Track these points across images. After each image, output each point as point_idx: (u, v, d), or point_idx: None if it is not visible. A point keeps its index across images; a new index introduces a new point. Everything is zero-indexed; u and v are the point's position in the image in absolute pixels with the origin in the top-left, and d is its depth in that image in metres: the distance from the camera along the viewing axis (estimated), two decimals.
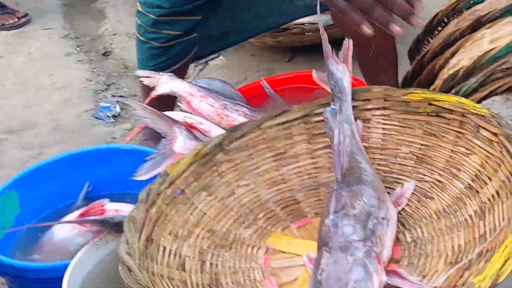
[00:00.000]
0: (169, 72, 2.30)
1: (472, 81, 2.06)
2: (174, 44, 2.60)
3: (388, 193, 1.70)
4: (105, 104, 3.23)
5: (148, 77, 2.25)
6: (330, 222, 1.54)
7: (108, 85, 3.44)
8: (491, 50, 2.04)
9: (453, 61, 2.16)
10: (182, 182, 1.74)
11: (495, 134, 1.60)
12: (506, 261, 1.34)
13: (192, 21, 2.61)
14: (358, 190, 1.60)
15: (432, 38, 2.35)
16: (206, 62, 3.43)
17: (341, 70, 1.82)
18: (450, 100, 1.70)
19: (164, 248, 1.63)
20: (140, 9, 2.61)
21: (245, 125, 1.84)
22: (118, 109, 3.21)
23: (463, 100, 1.69)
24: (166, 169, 1.75)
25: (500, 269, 1.33)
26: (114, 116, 3.19)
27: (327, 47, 1.81)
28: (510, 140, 1.56)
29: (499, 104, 2.00)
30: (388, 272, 1.48)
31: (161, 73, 2.25)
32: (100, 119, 3.19)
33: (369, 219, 1.55)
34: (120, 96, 3.26)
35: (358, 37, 2.38)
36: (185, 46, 2.65)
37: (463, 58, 2.12)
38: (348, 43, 1.86)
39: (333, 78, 1.81)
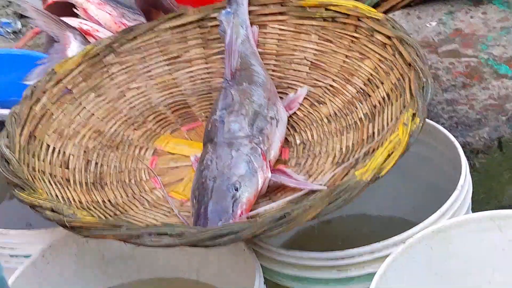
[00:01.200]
0: None
1: None
2: None
3: (282, 98, 1.67)
4: (6, 20, 3.12)
5: None
6: (217, 118, 1.51)
7: (9, 2, 3.32)
8: None
9: None
10: (69, 81, 1.69)
11: (389, 38, 1.57)
12: (389, 155, 1.32)
13: None
14: (247, 89, 1.57)
15: None
16: None
17: None
18: (346, 4, 1.67)
19: (48, 146, 1.58)
20: None
21: (138, 27, 1.79)
22: (19, 25, 3.11)
23: (359, 4, 1.66)
24: (54, 67, 1.69)
25: (383, 163, 1.31)
26: (14, 32, 3.08)
27: None
28: (403, 43, 1.53)
29: (399, 19, 1.97)
30: (274, 171, 1.45)
31: None
32: (0, 35, 3.08)
33: (257, 117, 1.52)
34: (21, 13, 3.14)
35: None
36: None
37: None
38: None
39: None
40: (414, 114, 1.38)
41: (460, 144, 1.56)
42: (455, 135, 1.63)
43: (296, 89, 1.68)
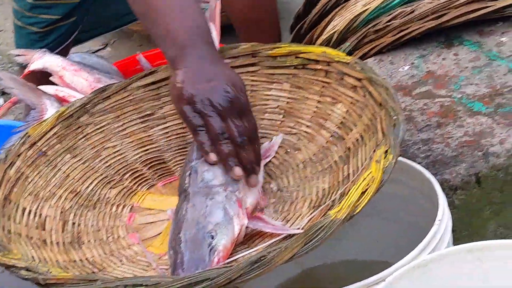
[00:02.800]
0: None
1: (346, 45, 2.06)
2: (53, 29, 2.53)
3: None
4: None
5: (23, 55, 2.18)
6: (190, 169, 1.51)
7: None
8: (363, 12, 2.05)
9: (329, 27, 2.15)
10: (44, 144, 1.68)
11: (358, 80, 1.58)
12: (363, 193, 1.31)
13: (69, 5, 2.55)
14: None
15: None
16: (93, 52, 3.36)
17: None
18: (316, 51, 1.68)
19: (24, 209, 1.57)
20: None
21: (110, 87, 1.79)
22: (1, 101, 3.12)
23: (328, 50, 1.67)
24: (27, 131, 1.69)
25: (357, 200, 1.30)
26: None
27: None
28: (373, 84, 1.54)
29: (372, 65, 1.98)
30: (251, 218, 1.44)
31: (36, 50, 2.18)
32: None
33: None
34: (2, 89, 3.16)
35: (236, 13, 2.36)
36: (65, 31, 2.58)
37: (337, 24, 2.11)
38: (215, 4, 1.83)
39: None
40: (386, 151, 1.37)
41: (438, 182, 1.55)
42: (432, 173, 1.63)
43: (271, 138, 1.68)
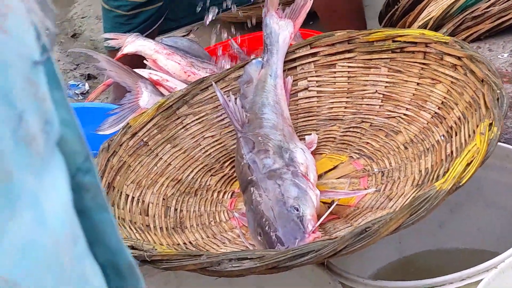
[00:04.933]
0: None
1: (443, 31, 2.03)
2: (139, 13, 2.56)
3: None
4: (73, 82, 3.17)
5: (115, 38, 2.21)
6: (248, 161, 1.54)
7: (77, 65, 3.39)
8: None
9: (423, 14, 2.12)
10: (145, 134, 1.71)
11: (459, 58, 1.56)
12: (468, 164, 1.29)
13: None
14: (261, 132, 1.62)
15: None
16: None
17: (282, 25, 1.81)
18: (413, 33, 1.67)
19: (127, 196, 1.59)
20: None
21: (209, 78, 1.81)
22: (86, 86, 3.14)
23: (426, 31, 1.66)
24: (129, 121, 1.71)
25: (462, 172, 1.28)
26: (82, 94, 3.11)
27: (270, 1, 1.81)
28: (473, 61, 1.52)
29: None
30: (320, 191, 1.48)
31: (127, 33, 2.21)
32: (68, 96, 3.12)
33: (282, 150, 1.56)
34: (89, 75, 3.20)
35: (320, 1, 2.35)
36: (150, 16, 2.60)
37: (433, 10, 2.08)
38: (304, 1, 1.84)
39: (267, 30, 1.80)
40: (491, 124, 1.35)
41: None
42: None
43: (370, 123, 1.68)
